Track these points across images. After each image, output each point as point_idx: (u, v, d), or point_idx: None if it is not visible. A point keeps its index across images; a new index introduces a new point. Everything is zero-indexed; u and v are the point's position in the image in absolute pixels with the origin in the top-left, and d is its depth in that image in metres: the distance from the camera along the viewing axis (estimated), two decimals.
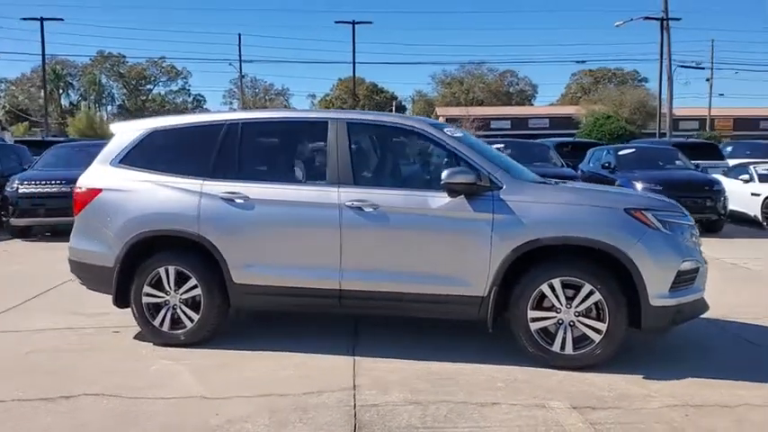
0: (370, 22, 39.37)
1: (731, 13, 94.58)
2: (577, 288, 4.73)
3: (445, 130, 5.32)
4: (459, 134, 5.35)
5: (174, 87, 67.90)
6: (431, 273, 4.93)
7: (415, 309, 5.10)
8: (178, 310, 5.35)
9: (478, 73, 68.34)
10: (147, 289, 5.38)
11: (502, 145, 13.71)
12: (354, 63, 39.12)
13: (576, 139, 25.29)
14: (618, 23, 37.29)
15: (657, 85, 36.16)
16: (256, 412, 4.04)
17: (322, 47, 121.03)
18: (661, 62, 34.48)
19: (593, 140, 26.41)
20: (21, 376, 4.75)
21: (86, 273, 5.64)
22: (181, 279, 5.34)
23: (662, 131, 35.84)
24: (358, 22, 36.74)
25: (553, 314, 4.77)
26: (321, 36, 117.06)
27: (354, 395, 4.30)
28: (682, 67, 35.95)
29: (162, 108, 65.96)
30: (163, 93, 67.45)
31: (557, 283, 4.74)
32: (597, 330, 4.71)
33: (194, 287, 5.30)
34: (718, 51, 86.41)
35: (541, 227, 4.75)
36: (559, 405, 4.12)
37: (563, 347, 4.76)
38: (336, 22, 37.35)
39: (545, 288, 4.76)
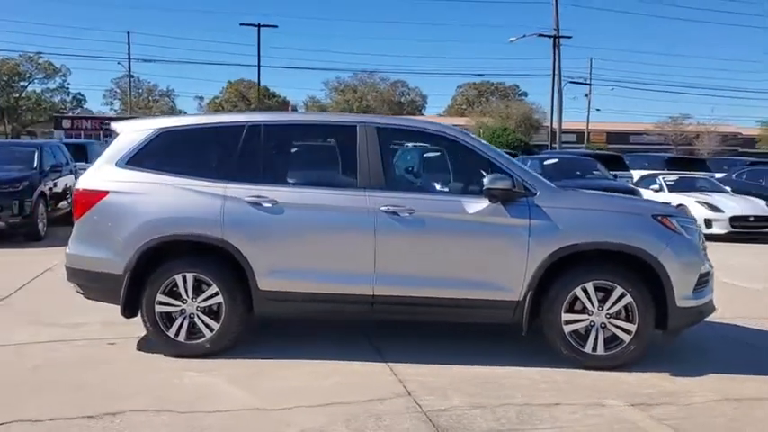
0: (276, 26, 38.86)
1: (610, 34, 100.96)
2: (608, 291, 4.94)
3: (471, 136, 5.40)
4: (484, 142, 5.45)
5: (51, 85, 63.73)
6: (467, 278, 4.99)
7: (449, 314, 5.14)
8: (196, 319, 5.11)
9: (371, 82, 69.08)
10: (160, 297, 5.10)
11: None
12: (259, 66, 38.53)
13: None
14: (512, 39, 38.94)
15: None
16: (331, 422, 3.94)
17: (212, 48, 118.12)
18: (553, 78, 36.32)
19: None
20: (45, 393, 4.37)
21: (89, 281, 5.26)
22: (199, 286, 5.10)
23: (548, 143, 37.82)
24: (263, 26, 36.26)
25: (585, 316, 4.96)
26: (213, 38, 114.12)
27: (415, 401, 4.28)
28: (571, 83, 37.85)
29: (38, 107, 61.82)
30: (39, 90, 63.18)
31: (590, 286, 4.94)
32: (627, 331, 4.94)
33: (215, 294, 5.07)
34: (598, 69, 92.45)
35: (578, 232, 4.92)
36: (616, 403, 4.30)
37: (595, 348, 4.96)
38: (242, 25, 36.66)
39: (578, 291, 4.94)
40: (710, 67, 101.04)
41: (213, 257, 5.11)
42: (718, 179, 16.78)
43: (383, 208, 4.97)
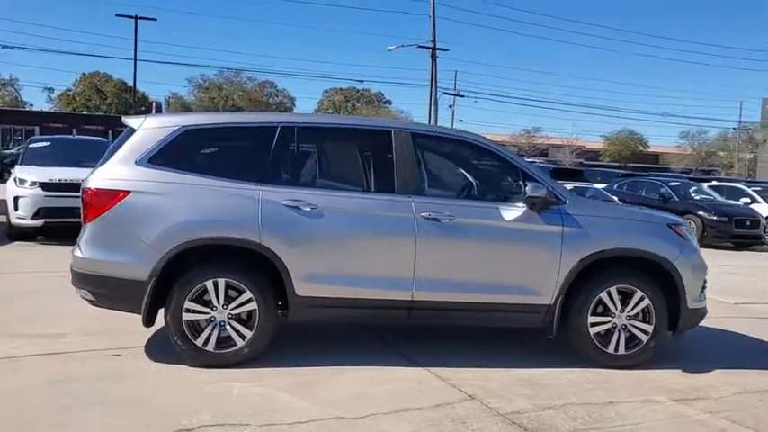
0: (155, 19, 36.77)
1: (481, 49, 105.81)
2: (629, 294, 5.27)
3: (501, 145, 5.56)
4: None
5: None
6: (503, 283, 5.14)
7: (483, 318, 5.26)
8: (228, 327, 4.87)
9: (238, 81, 67.56)
10: (188, 304, 4.81)
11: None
12: (136, 60, 36.44)
13: None
14: (391, 48, 39.72)
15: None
16: (419, 429, 3.92)
17: (71, 38, 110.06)
18: (431, 88, 37.47)
19: None
20: (95, 412, 4.00)
21: (105, 287, 4.86)
22: (231, 292, 4.87)
23: None
24: (141, 18, 34.33)
25: (609, 318, 5.26)
26: (82, 27, 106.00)
27: (484, 404, 4.35)
28: (445, 93, 39.23)
29: None
30: None
31: (613, 290, 5.25)
32: (645, 332, 5.29)
33: (248, 301, 4.86)
34: (469, 82, 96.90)
35: (605, 239, 5.22)
36: (661, 399, 4.62)
37: (617, 349, 5.27)
38: (117, 15, 34.33)
39: (604, 295, 5.23)
40: (562, 84, 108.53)
41: (246, 262, 4.91)
42: (603, 189, 18.13)
43: (424, 214, 5.01)
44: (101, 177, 4.91)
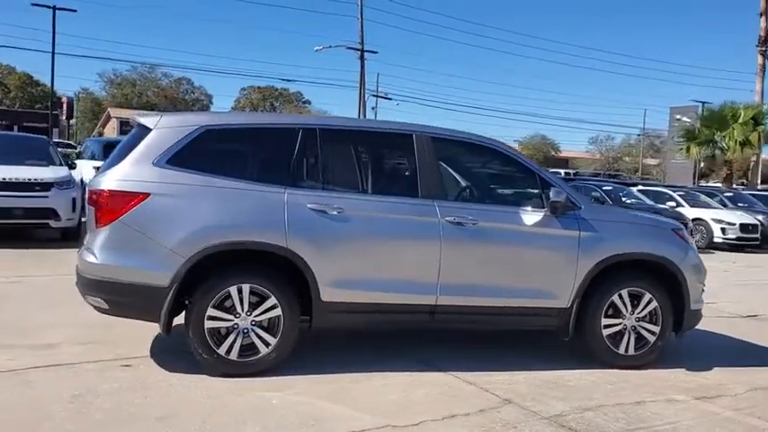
0: (74, 10, 34.89)
1: (407, 52, 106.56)
2: (638, 297, 5.44)
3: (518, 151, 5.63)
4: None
5: None
6: (524, 287, 5.19)
7: (503, 322, 5.30)
8: (252, 335, 4.71)
9: (152, 76, 65.42)
10: (211, 311, 4.63)
11: None
12: (54, 53, 34.52)
13: None
14: (318, 48, 39.46)
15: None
16: None
17: None
18: (360, 90, 37.52)
19: None
20: (131, 426, 3.77)
21: (121, 295, 4.59)
22: (252, 298, 4.71)
23: None
24: (60, 8, 32.55)
25: (620, 320, 5.41)
26: None
27: (524, 408, 4.39)
28: (374, 96, 39.38)
29: None
30: None
31: (625, 293, 5.40)
32: (653, 333, 5.48)
33: (273, 307, 4.72)
34: (391, 85, 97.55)
35: (618, 243, 5.36)
36: (684, 398, 4.79)
37: (627, 349, 5.43)
38: (33, 5, 32.39)
39: (616, 298, 5.38)
40: (481, 90, 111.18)
41: (270, 267, 4.76)
42: None
43: (449, 218, 5.00)
44: (116, 179, 4.64)
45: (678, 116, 40.17)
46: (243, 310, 4.68)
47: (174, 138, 4.74)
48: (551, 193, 5.15)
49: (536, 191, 5.33)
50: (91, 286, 4.64)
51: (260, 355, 4.72)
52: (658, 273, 5.51)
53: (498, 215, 5.20)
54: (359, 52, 37.92)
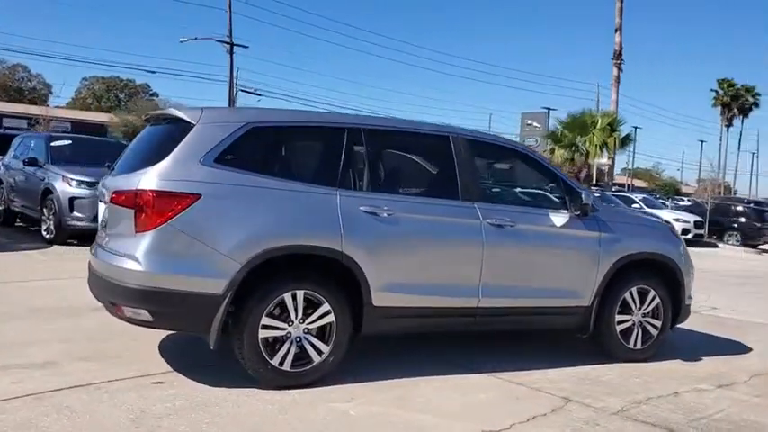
0: None
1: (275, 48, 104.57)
2: (643, 294, 5.76)
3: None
4: None
5: None
6: (555, 287, 5.33)
7: (535, 322, 5.41)
8: (305, 343, 4.49)
9: None
10: (265, 320, 4.36)
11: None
12: None
13: None
14: (182, 40, 37.86)
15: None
16: None
17: None
18: (230, 84, 36.46)
19: None
20: None
21: (169, 305, 4.19)
22: (308, 305, 4.50)
23: None
24: None
25: (630, 317, 5.71)
26: None
27: (587, 405, 4.51)
28: (243, 91, 38.43)
29: None
30: None
31: (634, 290, 5.70)
32: (656, 327, 5.82)
33: (326, 314, 4.53)
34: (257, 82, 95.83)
35: (632, 244, 5.64)
36: (707, 386, 5.13)
37: (635, 343, 5.74)
38: None
39: (627, 295, 5.66)
40: (338, 89, 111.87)
41: (323, 272, 4.56)
42: None
43: (490, 220, 5.04)
44: (161, 178, 4.23)
45: (529, 121, 42.74)
46: (296, 318, 4.44)
47: (220, 135, 4.40)
48: (582, 196, 5.33)
49: (560, 194, 5.49)
50: (136, 297, 4.20)
51: (313, 364, 4.50)
52: (660, 270, 5.86)
53: (532, 217, 5.30)
54: (228, 46, 36.85)
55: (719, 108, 66.04)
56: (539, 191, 5.72)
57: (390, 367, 5.00)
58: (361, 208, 4.61)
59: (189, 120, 4.43)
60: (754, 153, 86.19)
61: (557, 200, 5.50)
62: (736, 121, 66.96)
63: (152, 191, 4.18)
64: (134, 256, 4.18)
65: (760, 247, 23.65)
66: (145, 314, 4.22)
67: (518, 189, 5.78)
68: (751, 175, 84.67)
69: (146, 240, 4.16)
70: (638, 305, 5.72)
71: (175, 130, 4.47)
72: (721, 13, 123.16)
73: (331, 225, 4.49)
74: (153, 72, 70.21)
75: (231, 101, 37.37)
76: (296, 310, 4.43)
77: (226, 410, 4.01)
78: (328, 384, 4.52)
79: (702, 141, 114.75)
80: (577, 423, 4.15)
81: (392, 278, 4.69)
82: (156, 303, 4.18)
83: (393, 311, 4.74)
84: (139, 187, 4.21)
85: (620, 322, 5.65)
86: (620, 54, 32.01)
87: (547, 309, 5.35)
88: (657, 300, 5.80)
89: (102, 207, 4.90)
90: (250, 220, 4.30)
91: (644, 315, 5.77)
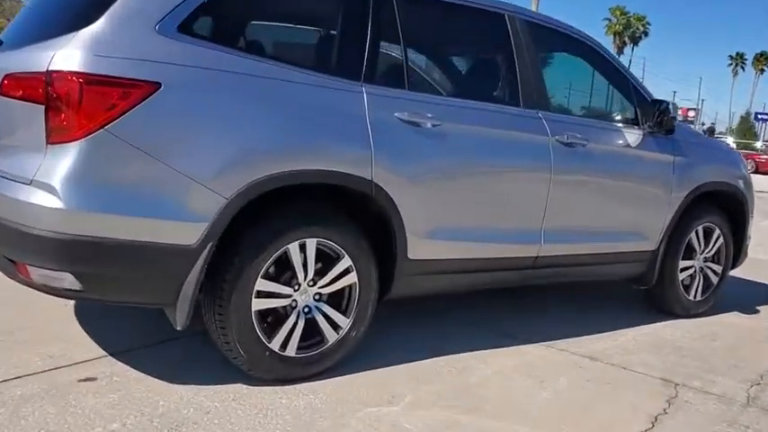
0: None
1: None
2: (708, 234, 4.59)
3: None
4: None
5: None
6: (622, 228, 4.06)
7: (595, 272, 4.15)
8: (317, 315, 3.00)
9: None
10: (261, 284, 2.82)
11: None
12: None
13: None
14: None
15: None
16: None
17: None
18: None
19: None
20: None
21: (112, 263, 2.52)
22: (321, 260, 2.99)
23: None
24: None
25: (692, 262, 4.56)
26: None
27: (694, 388, 3.34)
28: None
29: None
30: None
31: (700, 229, 4.54)
32: (716, 273, 4.71)
33: (346, 272, 3.04)
34: None
35: (707, 172, 4.43)
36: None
37: (695, 295, 4.61)
38: None
39: (692, 236, 4.49)
40: None
41: (339, 212, 3.04)
42: None
43: (558, 137, 3.64)
44: (92, 52, 2.47)
45: None
46: (305, 279, 2.92)
47: None
48: (662, 106, 4.01)
49: (631, 103, 4.14)
50: (47, 251, 2.50)
51: (329, 344, 3.04)
52: (726, 204, 4.70)
53: (604, 134, 3.94)
54: None
55: (612, 36, 67.55)
56: (614, 100, 4.31)
57: (420, 341, 3.63)
58: (396, 114, 3.06)
59: None
60: (642, 80, 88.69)
61: (629, 112, 4.14)
62: (627, 50, 68.77)
63: (76, 73, 2.43)
64: (47, 183, 2.45)
65: None
66: (69, 279, 2.54)
67: (588, 96, 4.37)
68: None
69: (67, 158, 2.44)
70: (701, 247, 4.57)
71: None
72: None
73: (357, 139, 2.93)
74: None
75: None
76: (305, 267, 2.90)
77: (237, 420, 2.52)
78: (351, 371, 3.09)
79: None
80: (720, 426, 2.94)
81: (434, 220, 3.22)
82: (86, 262, 2.51)
83: (433, 266, 3.30)
84: (54, 68, 2.44)
85: (683, 269, 4.49)
86: None
87: (612, 256, 4.08)
88: (721, 240, 4.67)
89: None
90: (240, 129, 2.67)
91: (705, 260, 4.64)
